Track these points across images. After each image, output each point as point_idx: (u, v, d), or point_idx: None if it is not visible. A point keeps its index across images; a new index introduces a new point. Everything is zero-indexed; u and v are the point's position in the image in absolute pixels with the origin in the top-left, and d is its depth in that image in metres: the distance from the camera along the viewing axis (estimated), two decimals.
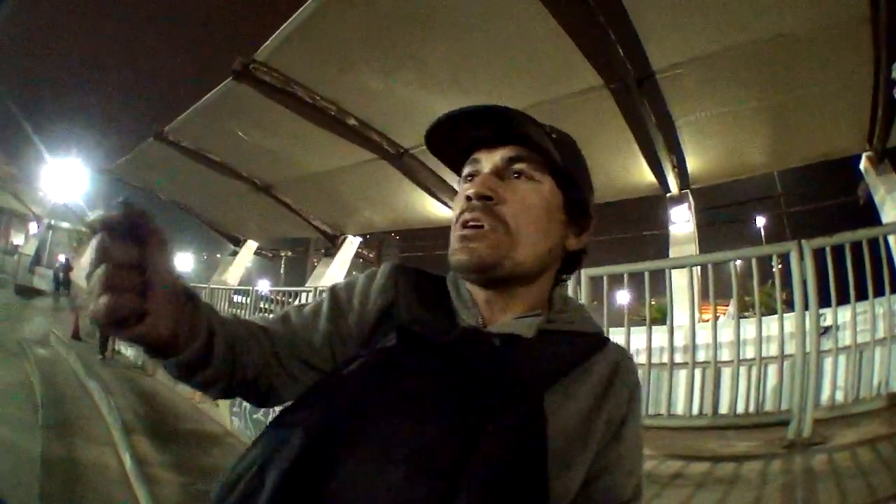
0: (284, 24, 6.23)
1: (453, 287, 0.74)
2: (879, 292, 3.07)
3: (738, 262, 3.47)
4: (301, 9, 5.88)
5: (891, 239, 3.18)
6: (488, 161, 0.69)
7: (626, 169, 7.91)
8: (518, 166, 0.68)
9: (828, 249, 2.92)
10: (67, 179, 22.52)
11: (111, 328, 0.44)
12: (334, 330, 0.72)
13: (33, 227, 26.57)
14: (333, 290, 0.76)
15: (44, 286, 18.28)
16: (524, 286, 0.70)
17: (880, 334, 3.06)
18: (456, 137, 0.71)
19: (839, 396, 2.98)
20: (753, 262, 3.17)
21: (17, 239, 27.60)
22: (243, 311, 7.80)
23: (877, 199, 6.39)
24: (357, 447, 0.49)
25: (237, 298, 8.82)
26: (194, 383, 0.60)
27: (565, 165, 0.70)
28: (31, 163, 24.84)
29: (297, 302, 6.88)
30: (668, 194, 8.19)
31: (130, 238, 0.44)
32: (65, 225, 26.42)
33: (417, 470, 0.47)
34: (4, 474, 3.61)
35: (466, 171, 0.72)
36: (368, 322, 0.72)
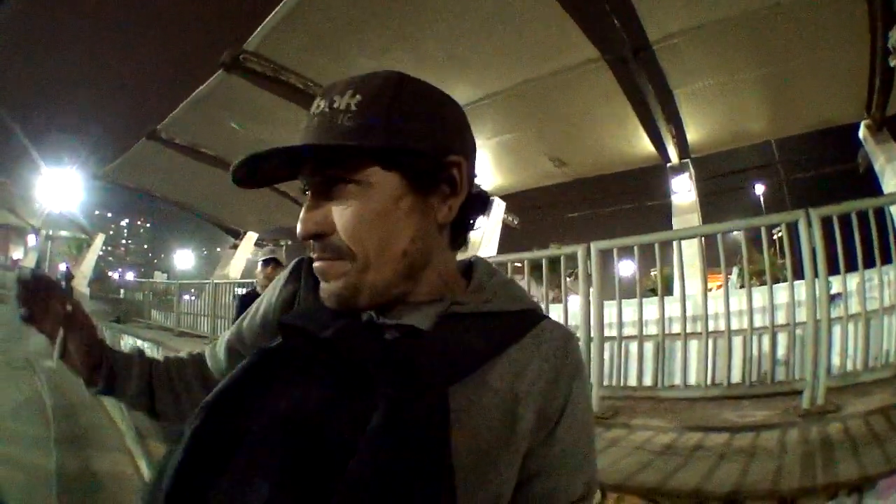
0: (273, 12, 6.12)
1: None
2: (886, 260, 3.04)
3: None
4: None
5: (893, 209, 3.16)
6: (310, 181, 0.59)
7: (626, 140, 7.91)
8: (331, 172, 0.56)
9: (835, 218, 2.90)
10: (62, 188, 22.51)
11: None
12: (234, 339, 0.77)
13: (32, 240, 26.28)
14: (241, 298, 0.80)
15: None
16: (408, 287, 0.60)
17: (888, 302, 3.04)
18: (266, 171, 0.60)
19: (849, 365, 2.98)
20: (763, 231, 3.15)
21: (17, 253, 27.44)
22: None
23: (877, 168, 6.40)
24: (232, 459, 0.47)
25: (239, 291, 8.85)
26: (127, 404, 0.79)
27: (380, 138, 0.55)
28: (25, 174, 24.75)
29: None
30: (668, 164, 8.20)
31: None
32: (63, 234, 26.23)
33: (285, 485, 0.45)
34: (20, 493, 3.56)
35: (301, 185, 0.62)
36: (273, 317, 0.71)
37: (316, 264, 0.59)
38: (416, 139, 0.56)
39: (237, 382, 0.53)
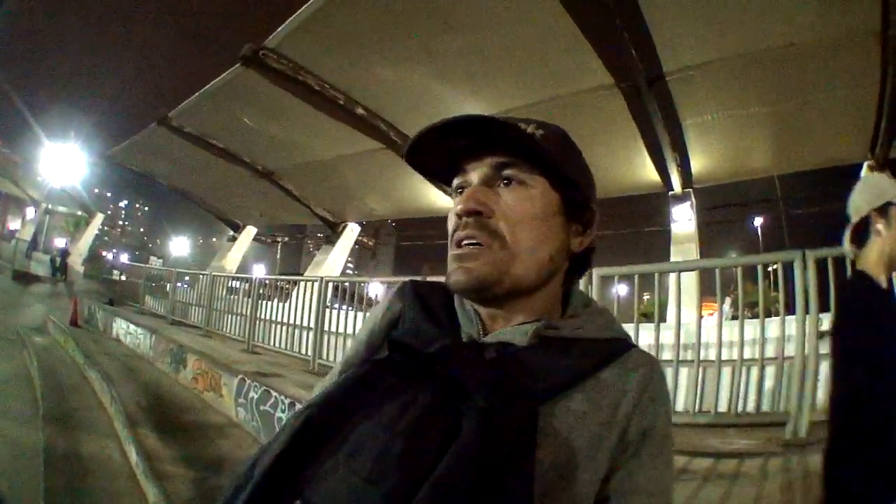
0: (298, 12, 6.22)
1: (458, 298, 0.71)
2: None
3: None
4: None
5: None
6: (476, 171, 0.66)
7: (631, 166, 8.04)
8: (508, 172, 0.64)
9: (829, 259, 2.96)
10: (65, 164, 22.39)
11: None
12: (345, 367, 0.77)
13: (30, 212, 26.00)
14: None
15: (41, 272, 17.90)
16: (528, 297, 0.65)
17: None
18: (440, 150, 0.67)
19: None
20: (759, 266, 3.25)
21: (14, 224, 27.29)
22: (240, 296, 7.82)
23: None
24: (330, 451, 0.52)
25: (234, 284, 8.78)
26: None
27: (559, 164, 0.64)
28: (29, 146, 24.61)
29: (295, 290, 6.82)
30: (671, 192, 8.32)
31: None
32: (62, 209, 25.90)
33: (373, 478, 0.49)
34: (6, 467, 3.50)
35: (456, 182, 0.69)
36: (378, 339, 0.74)
37: (461, 250, 0.64)
38: (576, 177, 0.67)
39: (344, 387, 0.58)
